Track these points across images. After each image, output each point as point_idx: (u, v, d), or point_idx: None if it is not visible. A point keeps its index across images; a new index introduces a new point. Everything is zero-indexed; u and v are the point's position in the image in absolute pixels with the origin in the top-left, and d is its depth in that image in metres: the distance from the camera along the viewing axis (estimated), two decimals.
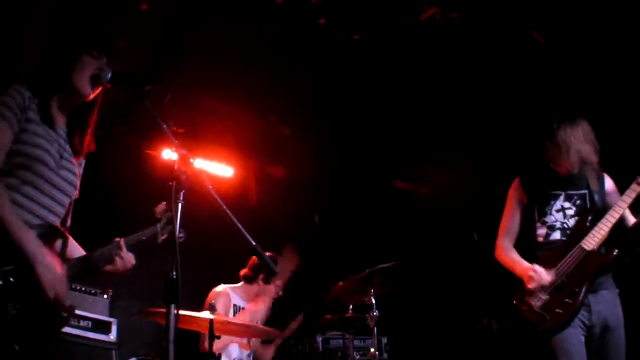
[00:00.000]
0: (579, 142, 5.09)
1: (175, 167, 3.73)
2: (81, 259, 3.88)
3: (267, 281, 6.61)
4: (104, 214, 5.14)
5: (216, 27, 6.30)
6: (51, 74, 3.86)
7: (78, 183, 3.97)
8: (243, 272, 6.81)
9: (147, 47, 6.29)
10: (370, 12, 6.15)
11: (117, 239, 3.93)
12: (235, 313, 6.33)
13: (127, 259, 3.94)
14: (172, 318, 3.49)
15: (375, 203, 8.45)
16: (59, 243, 3.75)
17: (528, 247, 5.21)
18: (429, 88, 7.15)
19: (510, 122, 7.06)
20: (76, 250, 3.97)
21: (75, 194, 3.96)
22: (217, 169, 8.04)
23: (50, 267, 3.52)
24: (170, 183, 3.68)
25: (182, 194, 3.69)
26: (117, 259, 3.89)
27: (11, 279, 3.42)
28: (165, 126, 3.83)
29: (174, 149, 3.82)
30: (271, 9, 6.06)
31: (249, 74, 6.91)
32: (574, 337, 4.84)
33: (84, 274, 3.89)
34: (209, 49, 6.57)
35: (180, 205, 3.68)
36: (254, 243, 3.89)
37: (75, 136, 3.97)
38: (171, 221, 3.82)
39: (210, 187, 3.87)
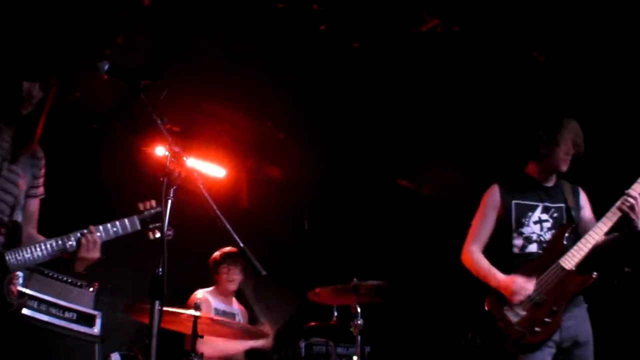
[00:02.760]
0: (570, 138, 5.07)
1: (167, 163, 3.76)
2: (36, 245, 3.89)
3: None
4: (98, 208, 5.13)
5: (216, 29, 6.31)
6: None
7: (28, 185, 4.02)
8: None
9: (146, 45, 6.28)
10: (372, 21, 6.15)
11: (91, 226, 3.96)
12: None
13: (93, 242, 3.93)
14: (156, 314, 3.54)
15: (366, 209, 8.44)
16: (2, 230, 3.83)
17: (501, 257, 5.12)
18: (427, 99, 7.17)
19: (503, 131, 7.07)
20: (33, 237, 4.04)
21: (30, 193, 4.04)
22: (209, 169, 8.07)
23: None
24: (162, 179, 3.73)
25: (172, 190, 3.72)
26: (83, 242, 3.89)
27: None
28: (160, 122, 3.87)
29: (167, 145, 3.85)
30: (272, 14, 6.04)
31: (247, 76, 6.94)
32: (543, 357, 4.83)
33: (46, 258, 3.90)
34: (208, 50, 6.58)
35: (170, 202, 3.70)
36: (242, 245, 3.88)
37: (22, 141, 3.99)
38: (156, 219, 4.02)
39: (201, 186, 3.89)
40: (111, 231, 4.00)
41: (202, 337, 5.33)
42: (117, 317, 6.64)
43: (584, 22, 6.00)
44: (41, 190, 4.11)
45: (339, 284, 5.89)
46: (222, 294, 6.82)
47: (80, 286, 6.44)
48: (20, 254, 3.80)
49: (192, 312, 5.33)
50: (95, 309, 6.53)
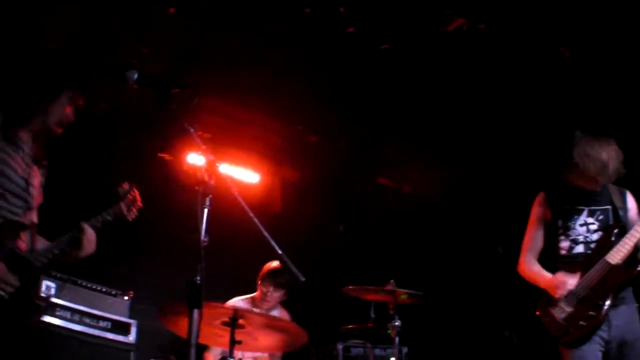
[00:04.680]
0: (606, 156, 5.13)
1: (202, 172, 3.85)
2: (46, 249, 4.10)
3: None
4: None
5: (244, 34, 6.36)
6: (25, 106, 4.06)
7: (36, 191, 4.17)
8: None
9: (172, 52, 6.34)
10: (399, 22, 6.20)
11: (81, 223, 4.14)
12: None
13: (91, 239, 4.15)
14: (194, 322, 3.62)
15: (403, 209, 8.47)
16: (25, 236, 4.03)
17: (550, 259, 5.32)
18: (457, 99, 7.18)
19: (534, 136, 7.09)
20: (46, 243, 4.18)
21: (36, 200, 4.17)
22: (242, 174, 8.15)
23: None
24: (197, 188, 3.80)
25: (208, 199, 3.79)
26: (84, 241, 4.10)
27: None
28: (192, 130, 3.96)
29: (200, 153, 3.93)
30: (300, 17, 6.09)
31: (276, 80, 7.04)
32: (592, 353, 4.93)
33: (53, 260, 4.10)
34: (236, 56, 6.66)
35: (206, 210, 3.78)
36: (280, 251, 3.97)
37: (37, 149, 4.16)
38: (131, 200, 4.34)
39: (236, 193, 3.99)
40: (101, 221, 4.23)
41: (240, 342, 5.33)
42: (152, 325, 6.70)
43: (611, 16, 5.99)
44: (41, 197, 4.25)
45: (376, 286, 5.93)
46: (259, 304, 6.87)
47: (115, 295, 6.56)
48: (41, 256, 4.03)
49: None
50: (130, 317, 6.65)
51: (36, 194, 4.13)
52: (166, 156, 7.19)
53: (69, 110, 4.12)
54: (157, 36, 6.27)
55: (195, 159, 7.23)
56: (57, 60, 4.17)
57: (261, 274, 6.87)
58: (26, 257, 3.96)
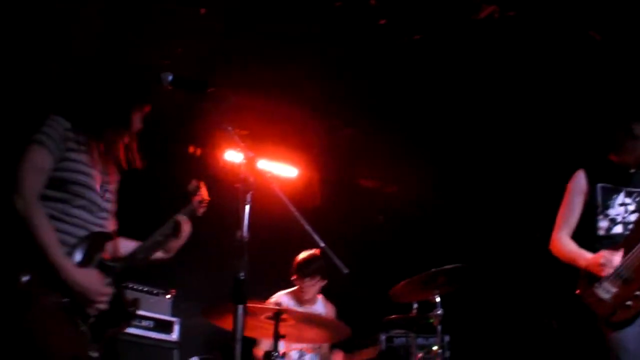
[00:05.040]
0: None
1: (242, 169, 3.92)
2: (136, 250, 4.25)
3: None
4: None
5: (276, 30, 6.42)
6: (95, 118, 4.12)
7: (113, 199, 4.26)
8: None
9: (208, 51, 6.39)
10: (429, 12, 6.22)
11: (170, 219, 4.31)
12: None
13: (186, 228, 4.33)
14: (239, 318, 3.69)
15: (441, 197, 8.48)
16: (108, 245, 4.10)
17: (586, 239, 5.24)
18: (492, 87, 7.20)
19: (569, 116, 7.08)
20: (129, 244, 4.31)
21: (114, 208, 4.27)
22: (281, 169, 8.22)
23: (82, 279, 3.81)
24: (237, 185, 3.87)
25: (249, 195, 3.85)
26: (180, 230, 4.30)
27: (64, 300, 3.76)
28: (229, 128, 4.04)
29: (239, 150, 4.01)
30: (331, 11, 6.16)
31: (312, 75, 7.08)
32: (635, 336, 4.88)
33: (146, 259, 4.30)
34: (270, 53, 6.73)
35: (247, 207, 3.84)
36: (322, 244, 4.04)
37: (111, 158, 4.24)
38: (200, 196, 4.42)
39: (277, 188, 4.07)
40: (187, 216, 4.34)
41: (284, 336, 5.39)
42: (195, 322, 6.78)
43: None
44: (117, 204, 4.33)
45: (418, 275, 5.90)
46: (301, 299, 6.92)
47: (157, 294, 6.65)
48: (128, 261, 4.17)
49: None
50: (172, 315, 6.74)
51: (113, 203, 4.23)
52: (198, 151, 7.22)
53: (139, 120, 4.21)
54: (190, 36, 6.29)
55: (232, 156, 7.35)
56: (130, 72, 4.24)
57: (292, 269, 6.92)
58: (114, 267, 4.06)
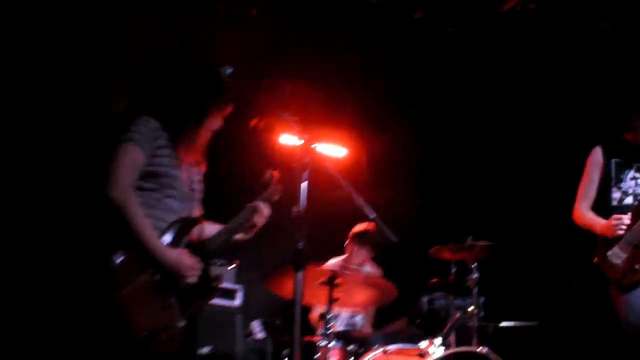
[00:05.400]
0: None
1: (298, 151, 4.05)
2: (219, 232, 4.34)
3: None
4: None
5: (322, 24, 6.49)
6: (180, 119, 4.19)
7: (199, 188, 4.39)
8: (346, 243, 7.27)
9: (259, 40, 6.47)
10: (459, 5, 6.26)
11: (249, 204, 4.41)
12: None
13: (265, 212, 4.43)
14: (299, 283, 3.84)
15: (476, 169, 8.62)
16: (195, 229, 4.25)
17: (601, 210, 5.44)
18: (519, 73, 7.25)
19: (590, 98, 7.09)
20: (213, 227, 4.40)
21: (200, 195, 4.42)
22: (331, 150, 8.32)
23: (174, 256, 3.97)
24: (294, 165, 4.01)
25: (305, 174, 3.98)
26: (260, 213, 4.38)
27: (155, 277, 3.93)
28: (285, 115, 4.18)
29: (294, 134, 4.15)
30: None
31: (354, 62, 7.22)
32: None
33: (228, 240, 4.38)
34: (317, 39, 6.90)
35: (304, 184, 3.96)
36: (373, 215, 4.16)
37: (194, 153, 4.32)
38: (280, 183, 4.48)
39: (331, 167, 4.18)
40: (265, 199, 4.46)
41: (337, 300, 5.45)
42: (256, 290, 6.87)
43: None
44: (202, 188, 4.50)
45: (455, 243, 6.09)
46: (351, 263, 7.09)
47: (222, 265, 6.75)
48: (213, 241, 4.30)
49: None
50: (236, 283, 6.86)
51: (199, 191, 4.38)
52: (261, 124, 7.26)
53: (222, 119, 4.36)
54: (245, 31, 6.36)
55: (287, 139, 7.43)
56: (206, 73, 4.30)
57: (348, 238, 7.19)
58: (200, 246, 4.22)
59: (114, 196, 3.85)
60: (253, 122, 4.24)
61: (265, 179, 4.50)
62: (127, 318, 3.75)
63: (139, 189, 4.00)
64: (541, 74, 7.38)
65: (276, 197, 4.50)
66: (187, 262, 3.98)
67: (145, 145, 3.99)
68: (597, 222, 5.36)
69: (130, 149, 3.97)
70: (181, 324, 3.93)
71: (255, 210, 4.36)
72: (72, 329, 5.62)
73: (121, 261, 3.80)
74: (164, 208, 4.06)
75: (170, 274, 3.94)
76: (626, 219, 5.17)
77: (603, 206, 5.43)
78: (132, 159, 3.96)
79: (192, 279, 4.01)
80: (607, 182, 5.44)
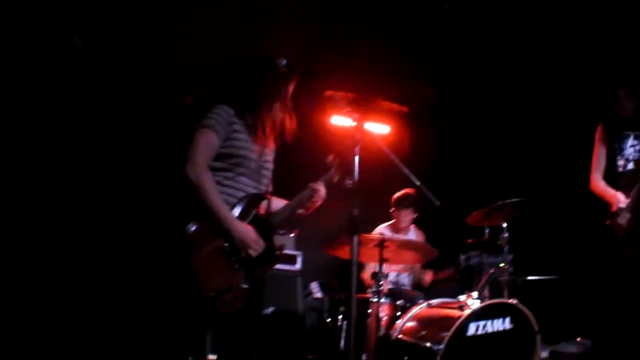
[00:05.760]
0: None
1: (349, 129, 4.15)
2: (283, 207, 4.41)
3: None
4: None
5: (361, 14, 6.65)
6: (249, 105, 4.23)
7: (270, 165, 4.46)
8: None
9: (306, 30, 6.60)
10: None
11: (311, 184, 4.42)
12: None
13: (323, 193, 4.44)
14: (354, 246, 3.96)
15: (504, 132, 8.57)
16: (263, 203, 4.31)
17: (610, 176, 5.88)
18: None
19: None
20: (280, 202, 4.50)
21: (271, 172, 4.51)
22: (377, 127, 8.42)
23: (242, 230, 4.05)
24: (347, 141, 4.11)
25: (357, 148, 4.08)
26: (319, 194, 4.37)
27: (225, 245, 4.07)
28: (335, 97, 4.51)
29: (345, 112, 4.26)
30: None
31: (396, 42, 7.23)
32: None
33: (291, 215, 4.39)
34: (360, 24, 6.88)
35: (356, 158, 4.06)
36: (418, 182, 4.29)
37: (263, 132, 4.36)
38: (340, 167, 4.42)
39: (381, 143, 4.30)
40: (325, 181, 4.44)
41: (387, 260, 5.62)
42: (314, 255, 7.01)
43: None
44: (272, 166, 4.57)
45: (487, 207, 6.13)
46: (397, 228, 7.35)
47: (283, 234, 6.88)
48: (278, 215, 4.36)
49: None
50: (296, 249, 7.14)
51: (270, 170, 4.47)
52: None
53: (286, 104, 4.38)
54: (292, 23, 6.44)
55: (338, 120, 7.72)
56: (269, 65, 4.35)
57: (391, 204, 7.41)
58: (265, 219, 4.31)
59: (191, 175, 3.99)
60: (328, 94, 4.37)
61: (327, 162, 4.49)
62: (197, 280, 3.90)
63: (214, 169, 4.13)
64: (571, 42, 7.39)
65: (335, 180, 4.50)
66: (252, 236, 4.09)
67: (220, 130, 4.11)
68: (608, 192, 5.82)
69: (207, 134, 4.09)
70: (244, 286, 4.06)
71: (315, 191, 4.40)
72: (149, 289, 5.99)
73: (195, 230, 3.95)
74: (236, 185, 4.17)
75: (238, 244, 4.05)
76: (621, 196, 5.60)
77: (611, 173, 5.87)
78: (207, 143, 4.08)
79: (254, 252, 4.09)
80: (612, 153, 5.87)
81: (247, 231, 4.08)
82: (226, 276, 4.01)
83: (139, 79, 6.51)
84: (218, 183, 4.11)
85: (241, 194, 4.19)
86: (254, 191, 4.26)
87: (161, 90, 6.54)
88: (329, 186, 4.47)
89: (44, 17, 6.06)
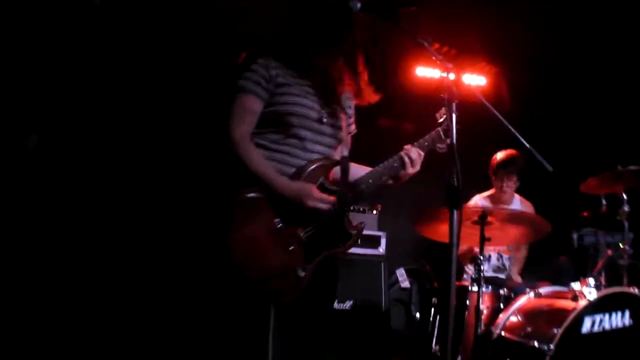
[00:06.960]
0: None
1: (444, 81, 3.52)
2: (364, 177, 3.85)
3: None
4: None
5: None
6: (312, 51, 3.81)
7: (346, 124, 3.97)
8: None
9: None
10: None
11: (406, 148, 3.89)
12: None
13: (418, 162, 3.88)
14: (455, 223, 3.33)
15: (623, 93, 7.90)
16: (334, 170, 3.83)
17: None
18: None
19: None
20: (360, 170, 3.93)
21: (348, 131, 4.01)
22: (471, 79, 7.89)
23: (292, 186, 3.64)
24: (442, 95, 3.51)
25: (454, 105, 3.48)
26: (407, 160, 3.83)
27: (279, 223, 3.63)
28: (426, 44, 3.64)
29: (436, 64, 3.74)
30: None
31: None
32: None
33: (374, 185, 3.85)
34: None
35: (454, 115, 3.45)
36: (528, 145, 3.70)
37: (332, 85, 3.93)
38: (444, 130, 3.83)
39: (479, 96, 3.71)
40: (424, 145, 3.90)
41: (489, 239, 4.93)
42: (400, 235, 6.43)
43: None
44: (354, 127, 4.13)
45: (604, 173, 5.40)
46: (499, 199, 6.49)
47: (363, 211, 6.37)
48: (358, 186, 3.84)
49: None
50: (379, 230, 6.51)
51: (340, 128, 3.94)
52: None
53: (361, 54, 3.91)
54: None
55: (425, 71, 7.25)
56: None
57: (491, 168, 6.49)
58: (335, 190, 3.80)
59: (231, 146, 3.68)
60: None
61: (438, 120, 3.78)
62: (238, 258, 3.49)
63: (260, 134, 3.75)
64: None
65: (440, 147, 3.86)
66: (309, 189, 3.63)
67: (258, 90, 3.74)
68: None
69: (244, 97, 3.73)
70: (301, 274, 3.62)
71: (409, 158, 3.81)
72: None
73: (249, 198, 3.56)
74: (292, 151, 3.74)
75: (294, 213, 3.61)
76: None
77: None
78: (244, 108, 3.73)
79: (320, 205, 3.60)
80: None
81: (301, 186, 3.63)
82: (278, 259, 3.56)
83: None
84: (267, 149, 3.72)
85: (298, 161, 3.74)
86: (317, 156, 3.78)
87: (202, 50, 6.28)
88: (428, 152, 3.87)
89: None
